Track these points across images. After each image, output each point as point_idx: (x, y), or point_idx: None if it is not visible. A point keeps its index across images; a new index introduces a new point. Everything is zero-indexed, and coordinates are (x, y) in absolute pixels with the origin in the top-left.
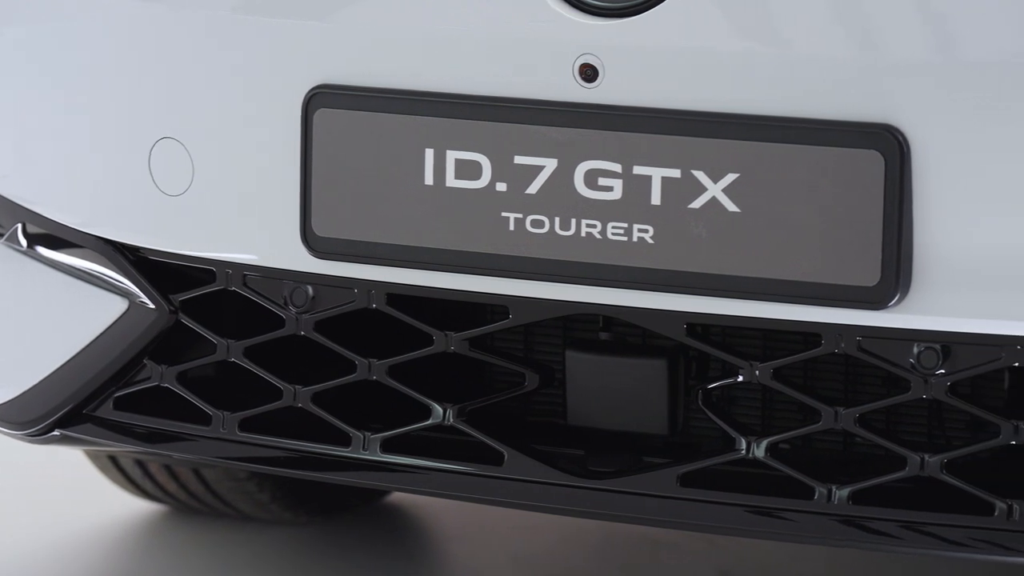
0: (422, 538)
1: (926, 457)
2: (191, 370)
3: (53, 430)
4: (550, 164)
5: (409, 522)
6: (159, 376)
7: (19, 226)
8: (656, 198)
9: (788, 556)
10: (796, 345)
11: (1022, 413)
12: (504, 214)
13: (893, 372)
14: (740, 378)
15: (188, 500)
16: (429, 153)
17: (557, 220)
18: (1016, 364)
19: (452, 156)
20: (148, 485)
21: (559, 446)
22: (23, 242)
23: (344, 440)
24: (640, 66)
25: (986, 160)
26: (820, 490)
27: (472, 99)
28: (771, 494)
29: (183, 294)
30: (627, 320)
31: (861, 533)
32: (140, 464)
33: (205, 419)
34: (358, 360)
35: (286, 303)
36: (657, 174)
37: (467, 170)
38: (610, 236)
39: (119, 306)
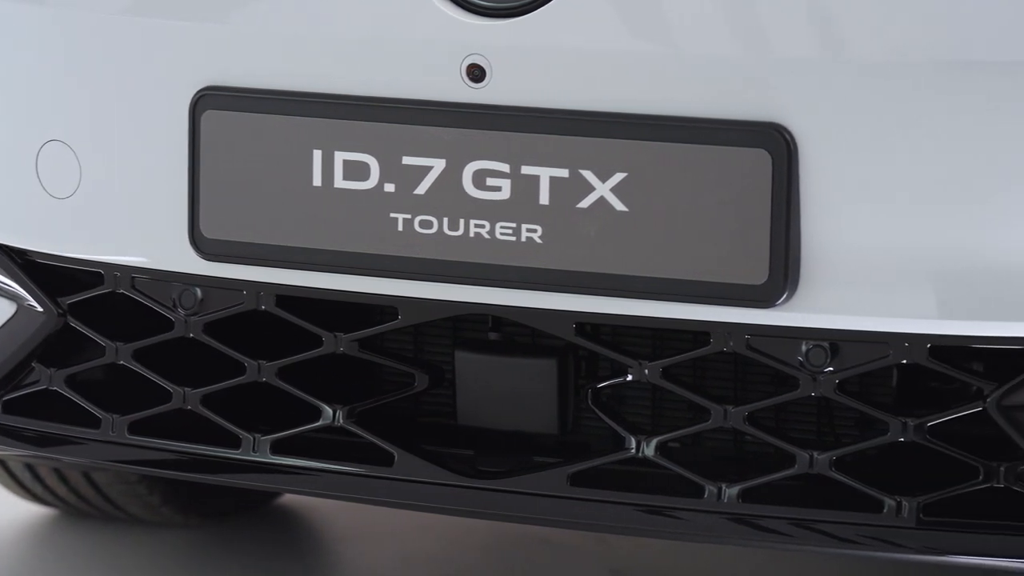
0: (313, 539)
1: (815, 455)
2: (82, 373)
3: None
4: (438, 164)
5: (301, 524)
6: (47, 379)
7: None
8: (544, 198)
9: (680, 555)
10: (686, 344)
11: (910, 410)
12: (392, 215)
13: (782, 370)
14: (630, 377)
15: (78, 503)
16: (317, 154)
17: (445, 220)
18: (904, 361)
19: (340, 157)
20: (38, 488)
21: (449, 446)
22: None
23: (234, 442)
24: (528, 66)
25: (871, 159)
26: (710, 488)
27: (360, 100)
28: (662, 493)
29: (71, 297)
30: (516, 320)
31: (751, 531)
32: (30, 468)
33: (95, 422)
34: (247, 362)
35: (175, 305)
36: (545, 174)
37: (355, 171)
38: (499, 236)
39: (7, 309)
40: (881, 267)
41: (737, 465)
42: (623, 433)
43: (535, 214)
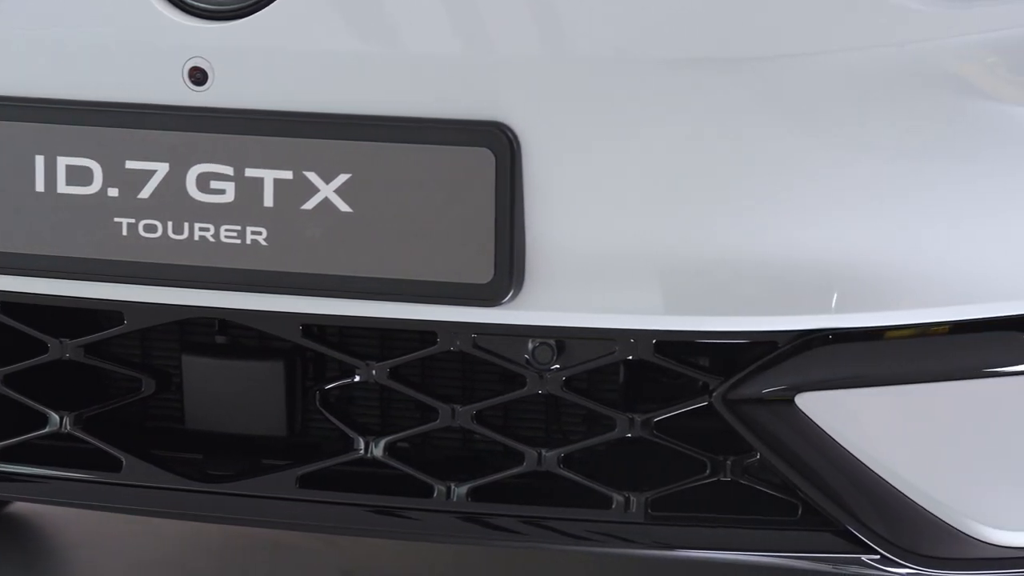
0: (44, 546)
1: (543, 452)
2: None
3: None
4: (161, 168)
5: (31, 531)
6: None
7: None
8: (269, 200)
9: (415, 555)
10: (414, 344)
11: (637, 406)
12: (117, 219)
13: (509, 368)
14: (357, 378)
15: None
16: (39, 160)
17: (170, 224)
18: (630, 357)
19: (63, 162)
20: None
21: (179, 451)
22: None
23: None
24: (250, 68)
25: (595, 157)
26: (439, 488)
27: (82, 104)
28: (392, 493)
29: None
30: (242, 323)
31: (482, 529)
32: None
33: None
34: None
35: None
36: (269, 176)
37: (78, 176)
38: (223, 239)
39: None
40: (606, 264)
41: (469, 464)
42: (351, 434)
43: (260, 216)
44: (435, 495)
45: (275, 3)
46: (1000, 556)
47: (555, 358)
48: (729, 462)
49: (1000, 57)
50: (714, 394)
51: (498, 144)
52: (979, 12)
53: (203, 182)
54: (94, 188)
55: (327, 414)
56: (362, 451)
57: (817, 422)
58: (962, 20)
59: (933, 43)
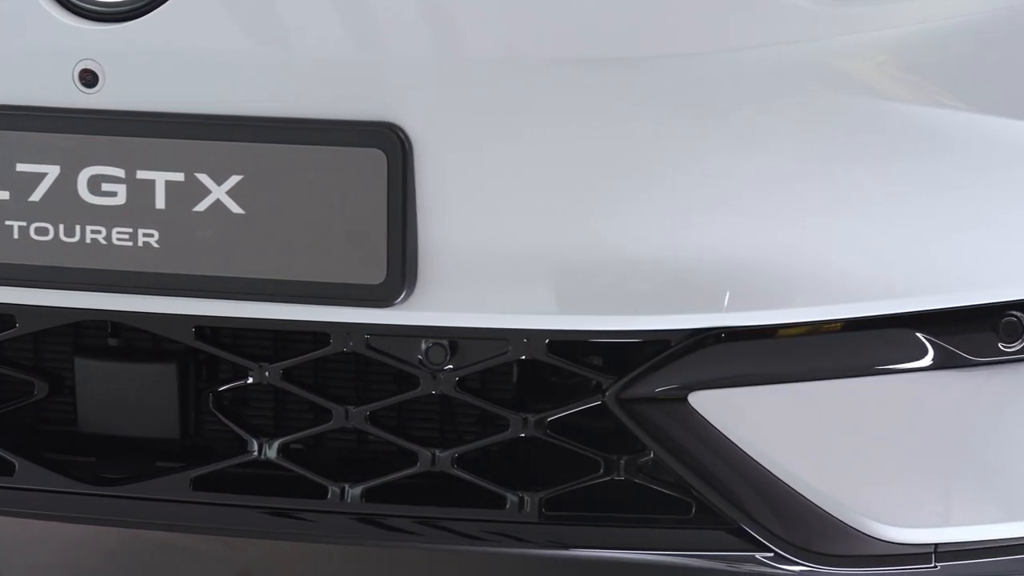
0: None
1: (437, 452)
2: None
3: None
4: (52, 171)
5: None
6: None
7: None
8: (160, 202)
9: (312, 555)
10: (308, 345)
11: (532, 406)
12: (7, 222)
13: (403, 369)
14: (250, 380)
15: None
16: None
17: (62, 227)
18: (523, 357)
19: None
20: None
21: (72, 454)
22: None
23: None
24: (141, 70)
25: (487, 158)
26: (333, 489)
27: None
28: (288, 495)
29: None
30: (135, 325)
31: (378, 530)
32: None
33: None
34: None
35: None
36: (161, 178)
37: None
38: (115, 242)
39: None
40: (499, 264)
41: (364, 465)
42: (245, 436)
43: (151, 219)
44: (329, 496)
45: (166, 4)
46: (892, 552)
47: (448, 358)
48: (623, 461)
49: (890, 56)
50: (607, 393)
51: (390, 145)
52: (869, 11)
53: (94, 184)
54: None
55: (220, 416)
56: (255, 453)
57: (710, 420)
58: (853, 19)
59: (825, 42)
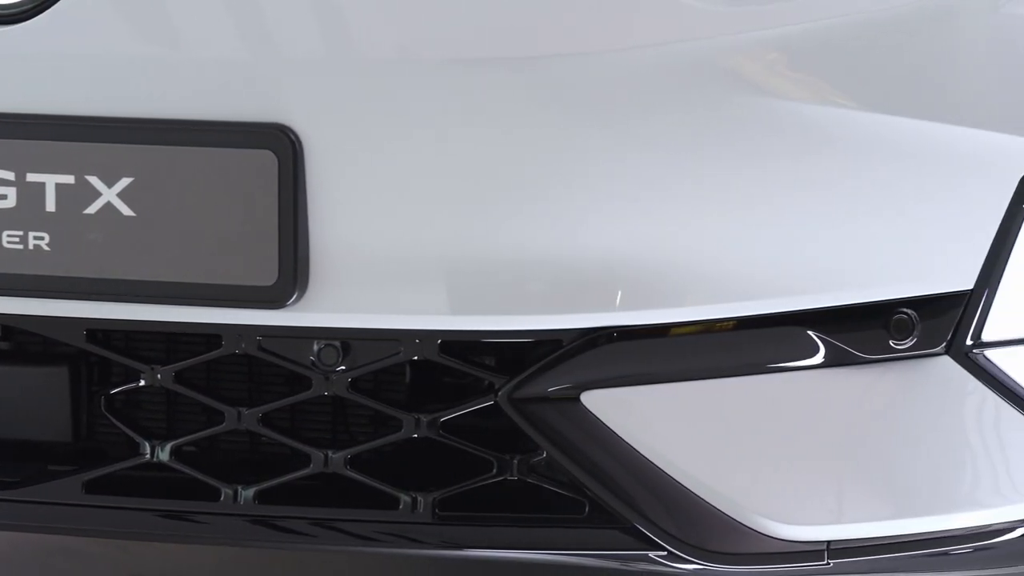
0: None
1: (330, 454)
2: None
3: None
4: None
5: None
6: None
7: None
8: (51, 205)
9: (207, 558)
10: (202, 347)
11: (426, 407)
12: None
13: (296, 370)
14: (142, 382)
15: None
16: None
17: None
18: (416, 357)
19: None
20: None
21: None
22: None
23: None
24: (31, 72)
25: (375, 159)
26: (226, 491)
27: None
28: (180, 497)
29: None
30: (26, 328)
31: (272, 532)
32: None
33: None
34: None
35: None
36: (51, 181)
37: None
38: (5, 244)
39: None
40: (391, 265)
41: (259, 467)
42: (137, 438)
43: (42, 221)
44: (222, 498)
45: (55, 7)
46: (785, 550)
47: (341, 359)
48: (516, 461)
49: (781, 54)
50: (499, 393)
51: (280, 147)
52: (760, 9)
53: None
54: None
55: (113, 419)
56: (148, 455)
57: (602, 420)
58: (744, 17)
59: (716, 40)
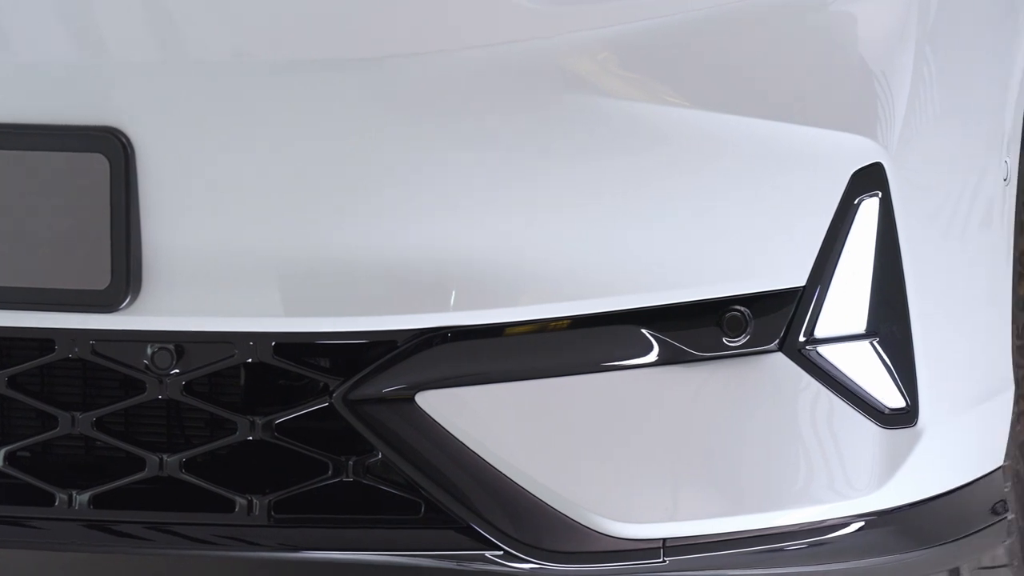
0: None
1: (164, 457)
2: None
3: None
4: None
5: None
6: None
7: None
8: None
9: (45, 564)
10: (35, 352)
11: (263, 409)
12: None
13: (130, 374)
14: None
15: None
16: None
17: None
18: (250, 360)
19: None
20: None
21: None
22: None
23: None
24: None
25: (207, 161)
26: (61, 496)
27: None
28: (15, 503)
29: None
30: None
31: (107, 536)
32: None
33: None
34: None
35: None
36: None
37: None
38: None
39: None
40: (224, 268)
41: (96, 472)
42: None
43: None
44: (57, 503)
45: None
46: (620, 548)
47: (175, 363)
48: (351, 462)
49: (610, 53)
50: (334, 395)
51: (112, 150)
52: (589, 9)
53: None
54: None
55: None
56: None
57: (438, 420)
58: (573, 17)
59: (546, 41)
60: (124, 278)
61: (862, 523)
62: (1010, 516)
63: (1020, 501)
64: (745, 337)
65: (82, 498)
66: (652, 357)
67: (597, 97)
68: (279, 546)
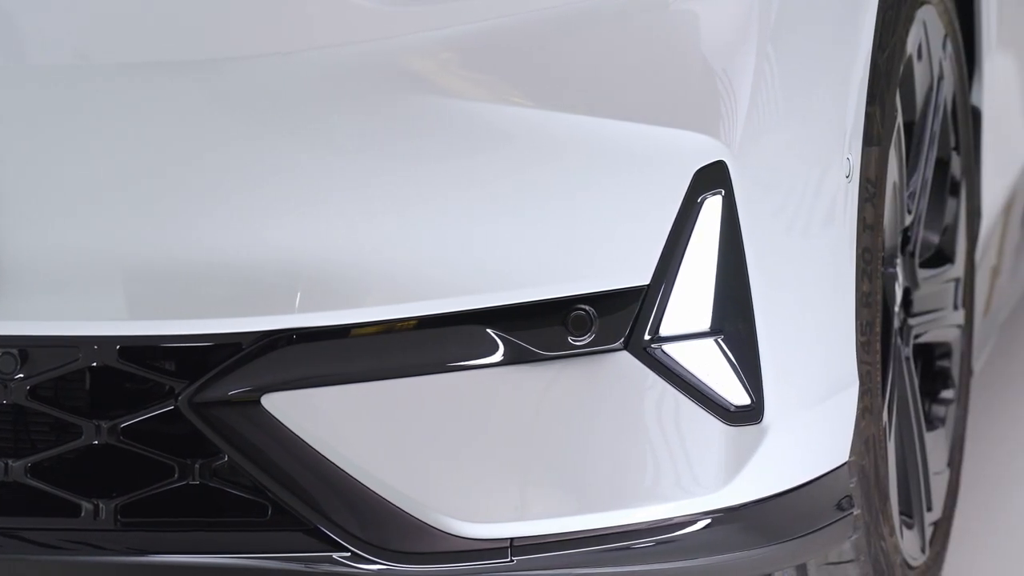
0: None
1: (9, 462)
2: None
3: None
4: None
5: None
6: None
7: None
8: None
9: None
10: None
11: (109, 413)
12: None
13: None
14: None
15: None
16: None
17: None
18: (95, 364)
19: None
20: None
21: None
22: None
23: None
24: None
25: (51, 162)
26: None
27: None
28: None
29: None
30: None
31: None
32: None
33: None
34: None
35: None
36: None
37: None
38: None
39: None
40: (67, 270)
41: None
42: None
43: None
44: None
45: None
46: (467, 548)
47: (19, 367)
48: (197, 465)
49: (453, 53)
50: (179, 398)
51: None
52: (432, 9)
53: None
54: None
55: None
56: None
57: (284, 422)
58: (415, 17)
59: (388, 41)
60: None
61: (709, 520)
62: (855, 512)
63: (865, 497)
64: (590, 336)
65: None
66: (498, 357)
67: (438, 97)
68: (126, 550)
